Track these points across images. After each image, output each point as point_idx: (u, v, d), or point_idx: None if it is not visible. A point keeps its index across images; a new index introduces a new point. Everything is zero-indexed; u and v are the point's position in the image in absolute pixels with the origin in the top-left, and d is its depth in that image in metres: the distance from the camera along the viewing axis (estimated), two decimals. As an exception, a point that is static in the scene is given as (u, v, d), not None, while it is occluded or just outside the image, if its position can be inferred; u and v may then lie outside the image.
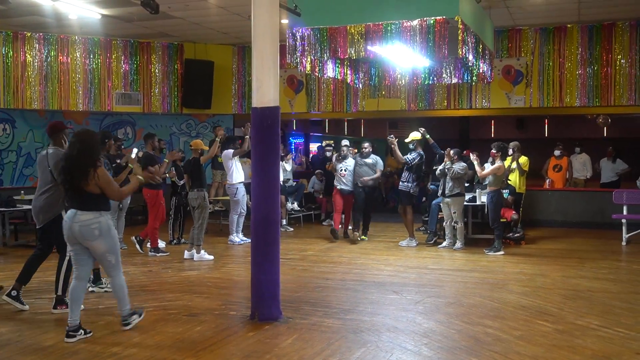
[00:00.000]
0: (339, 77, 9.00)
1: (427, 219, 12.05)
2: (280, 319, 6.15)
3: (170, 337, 5.61)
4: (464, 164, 10.63)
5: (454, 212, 10.60)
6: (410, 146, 11.27)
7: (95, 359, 5.09)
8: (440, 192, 10.79)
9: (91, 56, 14.06)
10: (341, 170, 11.56)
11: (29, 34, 13.44)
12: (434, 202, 11.45)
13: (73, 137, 5.63)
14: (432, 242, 11.15)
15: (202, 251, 9.72)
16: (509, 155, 11.15)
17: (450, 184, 10.52)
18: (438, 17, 6.60)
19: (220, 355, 5.17)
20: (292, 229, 13.22)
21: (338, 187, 11.60)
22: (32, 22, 12.48)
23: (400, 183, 11.32)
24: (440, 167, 10.78)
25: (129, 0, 10.66)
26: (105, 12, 11.64)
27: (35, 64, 13.58)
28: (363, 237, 11.71)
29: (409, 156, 11.19)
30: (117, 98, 14.35)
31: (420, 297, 7.19)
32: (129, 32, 13.52)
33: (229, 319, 6.30)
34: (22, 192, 12.21)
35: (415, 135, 11.38)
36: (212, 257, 9.71)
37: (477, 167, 10.50)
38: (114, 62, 14.28)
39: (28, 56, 13.51)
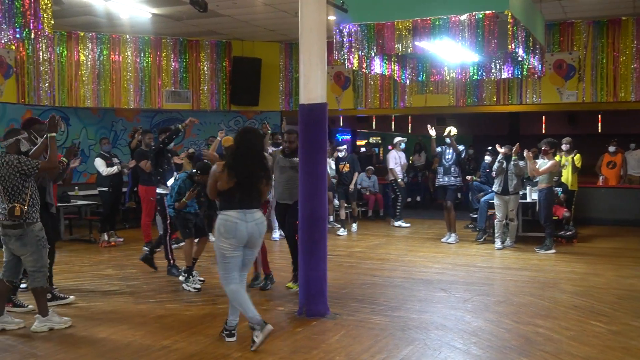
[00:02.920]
0: (386, 73, 8.94)
1: (475, 216, 11.89)
2: (327, 315, 6.16)
3: (218, 332, 5.68)
4: (524, 162, 10.41)
5: (512, 210, 10.39)
6: (447, 140, 11.10)
7: (146, 352, 5.19)
8: (497, 189, 10.47)
9: (142, 55, 14.31)
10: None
11: (82, 34, 13.77)
12: (483, 199, 11.29)
13: (247, 135, 5.42)
14: (482, 239, 11.00)
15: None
16: (562, 152, 10.90)
17: (514, 181, 10.29)
18: (487, 12, 6.49)
19: (268, 350, 5.20)
20: (339, 226, 13.20)
21: None
22: (85, 22, 12.78)
23: (446, 178, 11.11)
24: (497, 163, 10.51)
25: (179, 0, 10.82)
26: (155, 11, 11.84)
27: (88, 62, 13.91)
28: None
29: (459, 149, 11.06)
30: (167, 96, 14.58)
31: (469, 295, 7.10)
32: (178, 30, 13.71)
33: (276, 315, 6.34)
34: (77, 188, 12.55)
35: (454, 129, 11.20)
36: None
37: (530, 164, 10.22)
38: (164, 60, 14.51)
39: (81, 55, 13.85)
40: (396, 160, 13.27)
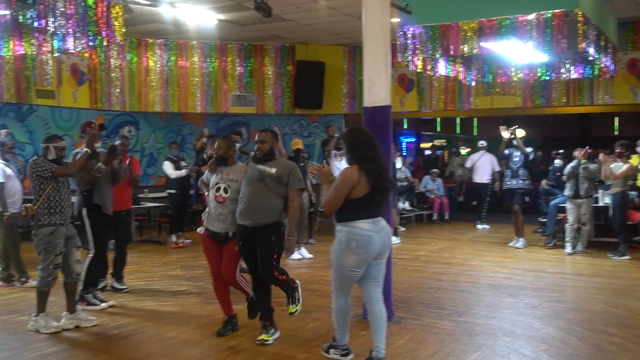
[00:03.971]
0: (451, 75, 8.83)
1: (544, 220, 11.59)
2: (392, 319, 6.12)
3: (284, 333, 5.72)
4: (596, 165, 10.08)
5: (584, 214, 10.07)
6: (514, 142, 10.86)
7: (213, 351, 5.28)
8: (569, 193, 10.17)
9: (208, 60, 14.59)
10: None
11: (151, 41, 14.16)
12: (552, 202, 10.99)
13: (364, 134, 4.90)
14: (551, 244, 10.70)
15: (302, 249, 9.84)
16: (636, 154, 10.49)
17: (585, 185, 9.99)
18: (556, 11, 6.32)
19: (333, 353, 5.20)
20: (403, 229, 13.13)
21: None
22: (154, 29, 13.13)
23: (514, 181, 10.87)
24: (569, 167, 10.22)
25: (244, 5, 10.99)
26: (221, 17, 12.06)
27: (157, 68, 14.29)
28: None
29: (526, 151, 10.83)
30: (233, 100, 14.83)
31: (538, 302, 6.92)
32: (243, 35, 13.93)
33: (341, 318, 6.33)
34: (146, 190, 12.90)
35: (521, 131, 10.96)
36: (300, 257, 9.77)
37: (604, 168, 9.85)
38: (229, 65, 14.75)
39: (150, 61, 14.24)
40: (493, 164, 13.36)
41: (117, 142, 7.18)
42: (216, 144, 5.79)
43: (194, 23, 12.36)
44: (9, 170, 7.69)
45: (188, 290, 7.71)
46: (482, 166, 13.34)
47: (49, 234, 5.83)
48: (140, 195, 12.30)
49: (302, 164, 9.93)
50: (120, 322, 6.21)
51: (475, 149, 15.42)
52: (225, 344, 5.47)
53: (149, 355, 5.24)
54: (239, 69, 14.80)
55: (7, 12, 6.25)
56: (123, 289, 7.49)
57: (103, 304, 6.71)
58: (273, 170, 5.36)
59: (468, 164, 14.06)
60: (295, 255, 9.68)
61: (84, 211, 6.75)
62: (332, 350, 5.03)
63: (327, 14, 11.81)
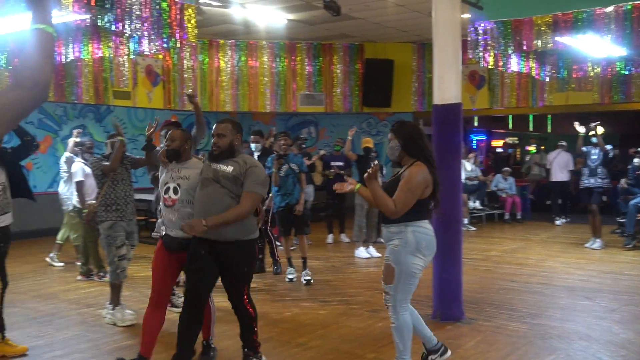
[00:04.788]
0: (523, 71, 8.64)
1: (623, 220, 11.15)
2: (462, 320, 6.03)
3: (352, 332, 5.73)
4: None
5: None
6: (593, 140, 10.48)
7: (283, 348, 5.34)
8: None
9: (277, 59, 14.76)
10: None
11: (222, 41, 14.44)
12: (631, 202, 10.57)
13: (417, 127, 4.65)
14: (630, 245, 10.29)
15: (361, 248, 9.79)
16: None
17: None
18: (636, 2, 6.08)
19: (402, 352, 5.17)
20: (474, 229, 12.91)
21: None
22: (225, 30, 13.38)
23: (592, 180, 10.52)
24: None
25: (313, 4, 11.04)
26: (291, 16, 12.17)
27: (228, 69, 14.55)
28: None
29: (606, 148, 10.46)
30: (302, 99, 14.94)
31: (616, 305, 6.66)
32: (312, 34, 14.00)
33: (410, 317, 6.28)
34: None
35: (601, 128, 10.55)
36: (368, 256, 9.71)
37: None
38: (298, 65, 14.87)
39: (221, 62, 14.52)
40: (568, 163, 13.24)
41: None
42: (168, 134, 4.83)
43: (264, 23, 12.51)
44: (87, 169, 8.00)
45: (257, 287, 7.80)
46: (560, 164, 13.21)
47: (108, 227, 6.04)
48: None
49: (372, 163, 9.89)
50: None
51: (550, 148, 15.06)
52: (295, 340, 5.52)
53: (220, 350, 5.33)
54: (307, 68, 14.90)
55: (87, 16, 6.49)
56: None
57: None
58: (229, 168, 4.39)
59: (546, 162, 13.94)
60: (364, 254, 9.67)
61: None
62: None
63: (395, 11, 11.73)
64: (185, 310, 4.50)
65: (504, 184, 14.54)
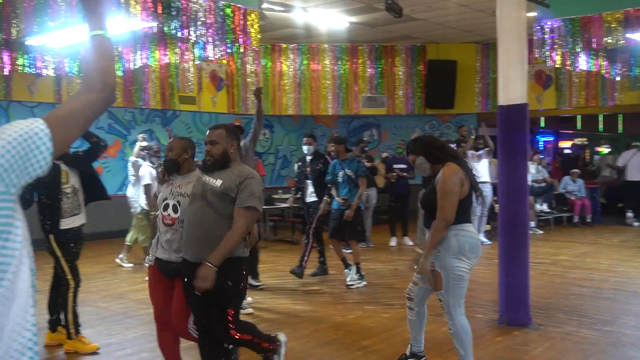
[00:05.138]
0: (592, 70, 8.37)
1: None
2: (530, 326, 5.88)
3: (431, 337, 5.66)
4: None
5: None
6: None
7: (346, 351, 5.33)
8: None
9: (339, 62, 14.78)
10: None
11: (284, 46, 14.57)
12: None
13: (431, 138, 4.84)
14: None
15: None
16: None
17: None
18: None
19: (467, 358, 5.08)
20: (541, 232, 12.58)
21: None
22: (287, 35, 13.50)
23: None
24: None
25: (374, 7, 11.02)
26: (353, 19, 12.17)
27: (290, 72, 14.67)
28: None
29: None
30: (364, 101, 14.92)
31: (694, 312, 6.37)
32: (373, 37, 13.97)
33: (475, 322, 6.16)
34: (280, 191, 13.28)
35: None
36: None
37: None
38: (360, 67, 14.85)
39: (284, 66, 14.65)
40: None
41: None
42: (168, 144, 4.48)
43: (326, 26, 12.56)
44: (155, 172, 8.21)
45: (321, 290, 7.83)
46: (636, 164, 12.85)
47: None
48: (275, 196, 12.68)
49: None
50: (255, 319, 6.42)
51: (621, 148, 14.55)
52: (358, 343, 5.50)
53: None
54: (369, 70, 14.87)
55: (154, 24, 6.66)
56: (258, 285, 7.74)
57: (248, 310, 6.63)
58: (218, 182, 3.84)
59: (620, 163, 13.46)
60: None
61: None
62: None
63: (458, 11, 11.58)
64: (201, 341, 4.08)
65: (572, 186, 14.12)
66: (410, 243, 11.01)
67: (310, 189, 8.40)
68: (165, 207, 4.22)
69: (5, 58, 6.99)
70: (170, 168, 4.32)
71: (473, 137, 11.11)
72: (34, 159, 1.52)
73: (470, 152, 11.05)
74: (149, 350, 5.43)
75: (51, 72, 8.88)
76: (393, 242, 11.19)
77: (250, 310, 6.65)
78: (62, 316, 5.41)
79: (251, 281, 7.75)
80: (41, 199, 5.24)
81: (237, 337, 3.87)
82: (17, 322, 1.43)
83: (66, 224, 5.28)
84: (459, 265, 4.23)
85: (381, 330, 5.87)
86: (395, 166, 11.25)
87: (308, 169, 8.44)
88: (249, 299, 6.94)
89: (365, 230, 8.19)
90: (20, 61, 7.10)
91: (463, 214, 4.29)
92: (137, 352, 5.40)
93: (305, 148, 8.49)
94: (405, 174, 11.07)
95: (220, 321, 3.84)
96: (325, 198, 8.14)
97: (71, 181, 5.36)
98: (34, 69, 8.44)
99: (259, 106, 6.86)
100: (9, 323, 1.41)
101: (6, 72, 7.14)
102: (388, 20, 11.48)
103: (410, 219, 11.25)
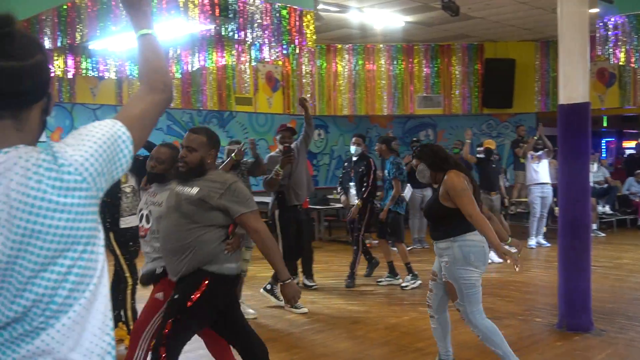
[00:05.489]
0: (660, 66, 8.06)
1: None
2: (591, 331, 5.71)
3: (473, 338, 5.55)
4: None
5: None
6: None
7: (401, 352, 5.29)
8: None
9: (394, 62, 14.69)
10: None
11: (339, 46, 14.57)
12: None
13: (437, 147, 4.97)
14: None
15: (491, 252, 9.49)
16: None
17: None
18: None
19: (526, 362, 4.98)
20: (603, 235, 12.21)
21: None
22: (342, 35, 13.50)
23: None
24: None
25: (431, 6, 10.90)
26: (408, 19, 12.08)
27: (345, 73, 14.67)
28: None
29: None
30: (419, 101, 14.78)
31: None
32: (429, 36, 13.83)
33: (534, 326, 6.05)
34: (335, 191, 13.29)
35: None
36: (501, 260, 9.37)
37: None
38: (416, 67, 14.72)
39: (339, 66, 14.66)
40: None
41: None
42: (154, 152, 4.25)
43: (381, 26, 12.51)
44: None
45: (375, 290, 7.81)
46: None
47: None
48: (329, 196, 12.70)
49: (493, 165, 9.62)
50: (309, 319, 6.45)
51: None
52: (413, 345, 5.46)
53: (339, 352, 5.38)
54: (425, 70, 14.72)
55: (212, 26, 6.76)
56: (312, 285, 7.77)
57: (303, 309, 6.62)
58: (194, 190, 3.53)
59: None
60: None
61: (277, 213, 7.02)
62: None
63: (517, 8, 11.34)
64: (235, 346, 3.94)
65: (636, 187, 13.65)
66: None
67: (353, 191, 8.19)
68: (141, 218, 4.10)
69: (70, 62, 7.21)
70: (153, 180, 4.18)
71: (536, 137, 10.87)
72: (118, 162, 1.51)
73: (530, 154, 10.83)
74: (205, 348, 5.51)
75: (113, 75, 9.13)
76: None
77: (305, 309, 6.67)
78: (122, 313, 5.54)
79: (305, 281, 7.81)
80: (102, 197, 5.38)
81: (162, 356, 3.42)
82: (98, 326, 1.43)
83: (125, 222, 5.42)
84: (467, 275, 4.31)
85: (436, 333, 5.80)
86: None
87: (352, 170, 8.26)
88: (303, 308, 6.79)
89: (401, 233, 8.01)
90: (83, 65, 7.32)
91: (465, 223, 4.31)
92: (194, 349, 5.48)
93: (352, 148, 8.30)
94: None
95: (160, 328, 3.54)
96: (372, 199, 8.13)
97: (131, 181, 5.50)
98: (97, 72, 8.70)
99: (306, 114, 7.00)
100: (90, 327, 1.42)
101: (70, 75, 7.37)
102: (444, 19, 11.34)
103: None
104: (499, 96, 14.41)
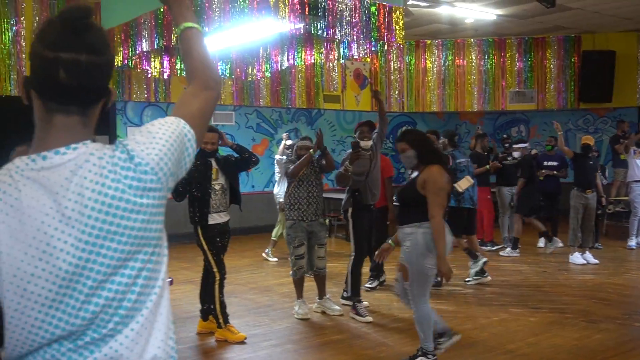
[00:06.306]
0: None
1: None
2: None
3: (567, 342, 5.39)
4: None
5: None
6: None
7: (490, 354, 5.18)
8: None
9: (485, 57, 14.35)
10: None
11: (429, 42, 14.38)
12: None
13: (427, 137, 5.19)
14: None
15: (577, 254, 9.09)
16: None
17: None
18: None
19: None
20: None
21: None
22: (431, 30, 13.31)
23: None
24: None
25: (524, -2, 10.58)
26: (500, 12, 11.76)
27: (434, 69, 14.47)
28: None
29: None
30: (511, 96, 14.38)
31: None
32: (523, 29, 13.41)
33: (633, 330, 5.77)
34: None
35: None
36: (584, 262, 8.99)
37: None
38: (508, 61, 14.32)
39: (428, 62, 14.47)
40: None
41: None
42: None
43: (472, 20, 12.25)
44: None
45: (464, 289, 7.66)
46: None
47: (289, 227, 6.36)
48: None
49: (591, 162, 9.22)
50: (398, 317, 6.41)
51: None
52: (503, 347, 5.32)
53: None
54: (518, 64, 14.29)
55: (301, 25, 6.84)
56: (375, 287, 7.59)
57: (368, 318, 6.28)
58: None
59: None
60: (579, 260, 9.05)
61: (349, 211, 6.63)
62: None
63: (618, -3, 10.83)
64: None
65: None
66: (560, 244, 10.46)
67: None
68: None
69: (165, 63, 7.48)
70: None
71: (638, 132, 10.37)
72: (183, 161, 1.45)
73: (632, 149, 10.32)
74: (293, 342, 5.60)
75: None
76: (541, 242, 10.69)
77: (370, 318, 6.27)
78: (212, 306, 5.70)
79: (367, 285, 7.54)
80: (192, 192, 5.56)
81: None
82: (164, 330, 1.39)
83: (213, 219, 5.57)
84: (424, 262, 4.51)
85: (528, 334, 5.65)
86: (545, 163, 10.73)
87: None
88: (365, 302, 6.69)
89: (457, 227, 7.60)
90: (178, 65, 7.57)
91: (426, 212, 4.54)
92: (282, 343, 5.59)
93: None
94: (555, 172, 10.53)
95: None
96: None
97: (220, 179, 5.66)
98: (190, 72, 8.97)
99: (380, 108, 6.80)
100: (156, 332, 1.37)
101: (166, 76, 7.64)
102: (539, 11, 10.96)
103: (561, 219, 10.69)
104: (597, 90, 13.78)
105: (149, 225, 1.34)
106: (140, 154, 1.34)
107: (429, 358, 4.74)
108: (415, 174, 4.74)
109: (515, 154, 10.33)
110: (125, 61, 7.51)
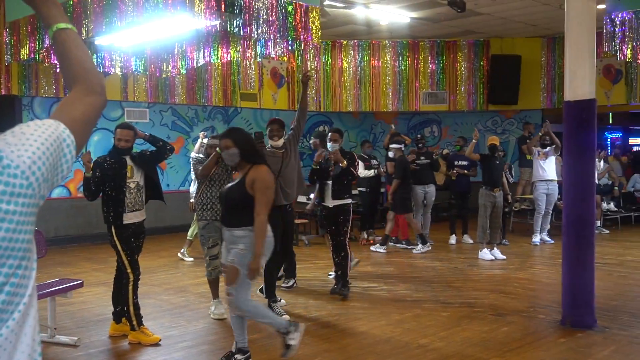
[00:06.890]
0: (666, 63, 8.04)
1: None
2: (594, 328, 5.70)
3: (476, 335, 5.59)
4: None
5: None
6: None
7: (403, 349, 5.30)
8: None
9: (400, 58, 14.67)
10: None
11: (345, 42, 14.56)
12: None
13: (251, 137, 5.16)
14: None
15: (485, 250, 9.46)
16: None
17: None
18: None
19: (528, 358, 4.99)
20: (607, 232, 12.19)
21: None
22: (347, 31, 13.49)
23: None
24: None
25: (437, 2, 10.88)
26: (414, 15, 12.06)
27: (350, 69, 14.66)
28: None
29: None
30: (424, 97, 14.77)
31: None
32: (435, 32, 13.80)
33: (537, 322, 6.05)
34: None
35: None
36: (493, 258, 9.39)
37: None
38: (421, 63, 14.69)
39: (344, 62, 14.65)
40: None
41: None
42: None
43: (387, 22, 12.49)
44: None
45: (378, 287, 7.81)
46: None
47: (202, 227, 6.31)
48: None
49: (497, 162, 9.59)
50: (313, 315, 6.46)
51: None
52: (416, 342, 5.46)
53: (342, 347, 5.39)
54: (431, 66, 14.70)
55: (217, 22, 6.77)
56: (292, 286, 7.55)
57: (284, 317, 5.83)
58: None
59: None
60: (488, 256, 9.40)
61: None
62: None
63: (524, 4, 11.32)
64: None
65: (642, 185, 13.62)
66: (470, 241, 10.85)
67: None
68: None
69: (75, 57, 7.22)
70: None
71: (541, 134, 10.87)
72: (60, 168, 1.32)
73: (536, 150, 10.81)
74: (209, 343, 5.54)
75: (118, 71, 9.14)
76: (452, 240, 11.06)
77: (286, 317, 5.97)
78: (125, 308, 5.55)
79: (283, 285, 7.52)
80: (106, 191, 5.40)
81: None
82: (27, 352, 1.25)
83: (128, 218, 5.43)
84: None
85: (439, 329, 5.81)
86: (456, 163, 11.11)
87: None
88: (282, 301, 6.67)
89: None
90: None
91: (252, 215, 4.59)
92: (198, 344, 5.52)
93: (330, 145, 7.44)
94: (466, 171, 10.92)
95: None
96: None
97: (135, 177, 5.51)
98: (102, 68, 8.71)
99: (303, 95, 6.76)
100: (17, 355, 1.23)
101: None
102: (450, 15, 11.32)
103: (470, 217, 11.09)
104: (505, 92, 14.38)
105: (15, 235, 1.19)
106: (10, 156, 1.20)
107: (293, 338, 4.67)
108: (239, 175, 4.72)
109: (390, 154, 10.56)
110: (32, 54, 7.21)
